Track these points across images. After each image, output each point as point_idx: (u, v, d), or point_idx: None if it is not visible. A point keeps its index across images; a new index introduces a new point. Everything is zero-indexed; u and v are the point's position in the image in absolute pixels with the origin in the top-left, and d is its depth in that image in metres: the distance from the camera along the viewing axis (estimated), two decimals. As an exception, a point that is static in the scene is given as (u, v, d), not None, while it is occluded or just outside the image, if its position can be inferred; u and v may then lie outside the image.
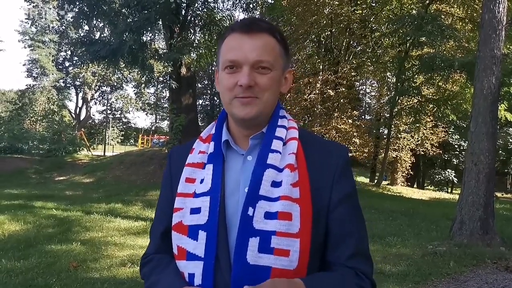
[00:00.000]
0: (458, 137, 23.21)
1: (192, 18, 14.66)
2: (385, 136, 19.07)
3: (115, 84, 38.02)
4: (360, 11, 16.25)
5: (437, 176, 25.27)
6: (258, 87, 0.90)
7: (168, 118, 29.25)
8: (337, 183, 0.93)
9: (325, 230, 0.92)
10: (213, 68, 30.35)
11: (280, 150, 0.92)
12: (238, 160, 0.95)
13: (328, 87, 16.06)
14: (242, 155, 0.95)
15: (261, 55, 0.90)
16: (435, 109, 16.52)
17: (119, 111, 42.59)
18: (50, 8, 32.91)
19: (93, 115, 40.76)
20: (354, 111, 17.84)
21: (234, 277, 0.84)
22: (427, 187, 26.47)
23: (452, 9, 15.73)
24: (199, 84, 29.58)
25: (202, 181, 0.94)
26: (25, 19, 34.19)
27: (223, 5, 15.41)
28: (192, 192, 0.94)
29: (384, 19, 16.27)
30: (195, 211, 0.91)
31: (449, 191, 25.03)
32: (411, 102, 17.14)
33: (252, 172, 0.90)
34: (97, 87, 37.30)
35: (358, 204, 0.97)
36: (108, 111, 38.93)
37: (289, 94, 15.48)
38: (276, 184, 0.89)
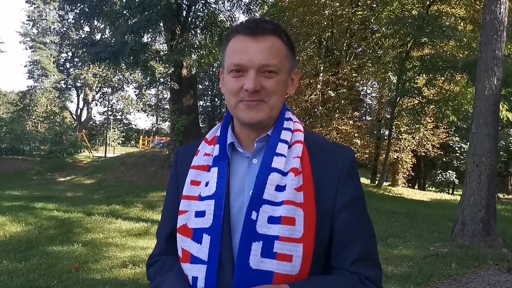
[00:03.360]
0: (458, 139, 23.18)
1: (193, 20, 14.67)
2: (386, 137, 19.06)
3: (116, 85, 38.10)
4: (361, 12, 16.24)
5: (438, 177, 25.23)
6: (265, 91, 0.89)
7: (169, 120, 29.27)
8: (342, 187, 0.91)
9: (330, 235, 0.91)
10: (213, 70, 30.40)
11: (285, 153, 0.91)
12: (243, 163, 0.94)
13: (329, 88, 16.05)
14: (247, 158, 0.94)
15: (267, 58, 0.88)
16: (435, 110, 16.51)
17: (120, 112, 42.64)
18: (51, 10, 32.99)
19: (94, 116, 40.89)
20: (355, 112, 17.82)
21: (237, 281, 0.84)
22: (428, 188, 26.43)
23: (453, 10, 15.73)
24: (200, 85, 29.56)
25: (207, 184, 0.93)
26: (26, 20, 34.32)
27: (223, 6, 15.41)
28: (197, 195, 0.93)
29: (385, 20, 16.27)
30: (200, 214, 0.91)
31: (450, 192, 24.99)
32: (412, 103, 17.13)
33: (256, 175, 0.89)
34: (98, 88, 37.35)
35: (364, 208, 0.95)
36: (109, 112, 39.00)
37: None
38: (280, 188, 0.88)
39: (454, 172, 24.62)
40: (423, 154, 19.96)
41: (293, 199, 0.86)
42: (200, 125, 20.00)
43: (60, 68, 35.33)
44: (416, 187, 24.74)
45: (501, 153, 23.31)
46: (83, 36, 25.04)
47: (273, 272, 0.83)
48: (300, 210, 0.86)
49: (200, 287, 0.87)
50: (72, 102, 37.77)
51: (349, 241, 0.90)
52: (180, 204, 0.95)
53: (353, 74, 16.52)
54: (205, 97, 33.65)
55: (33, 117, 31.33)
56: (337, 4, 15.36)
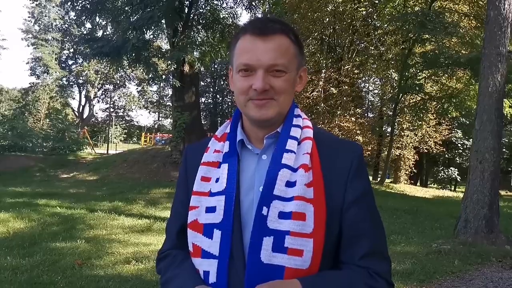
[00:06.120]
0: (461, 136, 23.14)
1: (195, 17, 14.64)
2: (388, 134, 19.04)
3: (118, 82, 38.14)
4: (363, 9, 16.18)
5: (440, 174, 25.20)
6: (274, 90, 0.90)
7: (171, 116, 29.27)
8: (351, 182, 0.92)
9: (339, 230, 0.92)
10: (215, 66, 30.36)
11: (295, 150, 0.92)
12: (253, 160, 0.95)
13: (331, 85, 16.02)
14: (257, 154, 0.96)
15: (275, 58, 0.89)
16: (438, 106, 16.47)
17: (122, 109, 42.71)
18: (53, 6, 32.98)
19: (96, 113, 40.95)
20: (357, 109, 17.80)
21: (248, 276, 0.85)
22: (430, 185, 26.40)
23: (457, 6, 15.65)
24: (202, 82, 29.56)
25: (217, 180, 0.94)
26: (28, 17, 34.39)
27: (226, 3, 15.38)
28: (208, 191, 0.95)
29: (387, 17, 16.20)
30: (211, 210, 0.92)
31: (452, 189, 24.96)
32: (414, 100, 17.08)
33: (267, 172, 0.90)
34: (100, 85, 37.41)
35: (373, 203, 0.96)
36: (111, 109, 39.06)
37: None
38: (290, 184, 0.89)
39: (456, 169, 24.58)
40: (425, 151, 19.93)
41: (303, 195, 0.87)
42: (202, 122, 20.01)
43: (62, 65, 35.41)
44: (418, 184, 24.73)
45: (504, 150, 23.24)
46: (85, 32, 25.01)
47: (284, 267, 0.85)
48: (310, 206, 0.87)
49: (211, 281, 0.88)
50: (74, 99, 38.02)
51: (359, 236, 0.91)
52: (191, 200, 0.96)
53: (355, 71, 16.49)
54: (206, 94, 33.67)
55: (35, 114, 31.39)
56: (340, 0, 15.30)
